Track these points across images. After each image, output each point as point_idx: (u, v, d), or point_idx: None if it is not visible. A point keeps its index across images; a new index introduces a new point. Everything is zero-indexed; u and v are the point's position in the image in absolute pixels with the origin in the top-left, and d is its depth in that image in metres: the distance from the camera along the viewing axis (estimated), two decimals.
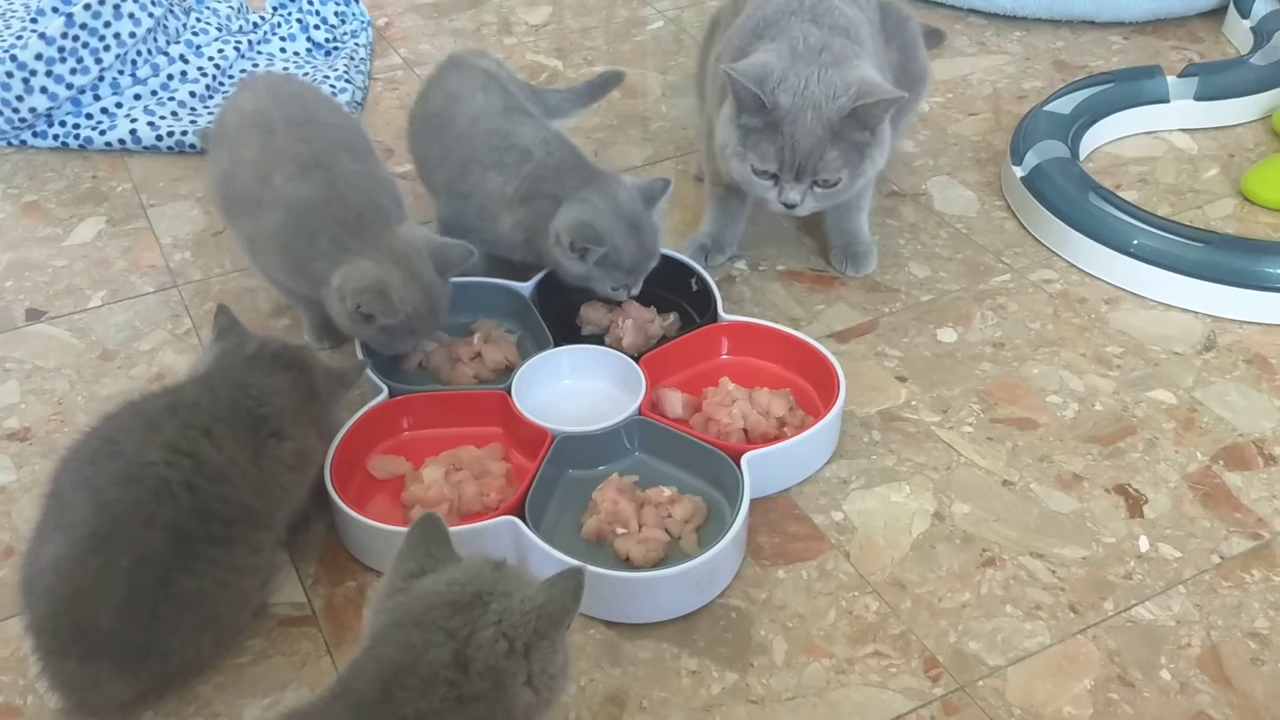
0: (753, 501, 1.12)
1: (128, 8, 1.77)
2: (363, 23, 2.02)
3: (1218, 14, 2.05)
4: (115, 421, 1.02)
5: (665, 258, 1.42)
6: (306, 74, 1.88)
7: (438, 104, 1.44)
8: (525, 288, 1.38)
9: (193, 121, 1.76)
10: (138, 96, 1.80)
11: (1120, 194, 1.54)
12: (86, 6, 1.73)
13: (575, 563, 0.89)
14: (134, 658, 0.96)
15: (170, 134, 1.73)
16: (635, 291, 1.37)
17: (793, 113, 1.25)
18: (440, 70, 1.48)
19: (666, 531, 1.12)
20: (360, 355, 1.27)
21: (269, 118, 1.31)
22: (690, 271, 1.40)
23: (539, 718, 0.80)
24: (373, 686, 0.76)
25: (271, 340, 1.12)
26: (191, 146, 1.73)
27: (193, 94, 1.81)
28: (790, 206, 1.32)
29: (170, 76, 1.83)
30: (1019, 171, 1.59)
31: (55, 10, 1.79)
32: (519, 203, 1.35)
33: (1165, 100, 1.75)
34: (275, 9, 2.00)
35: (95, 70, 1.75)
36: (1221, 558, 1.13)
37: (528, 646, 0.78)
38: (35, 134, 1.75)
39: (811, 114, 1.25)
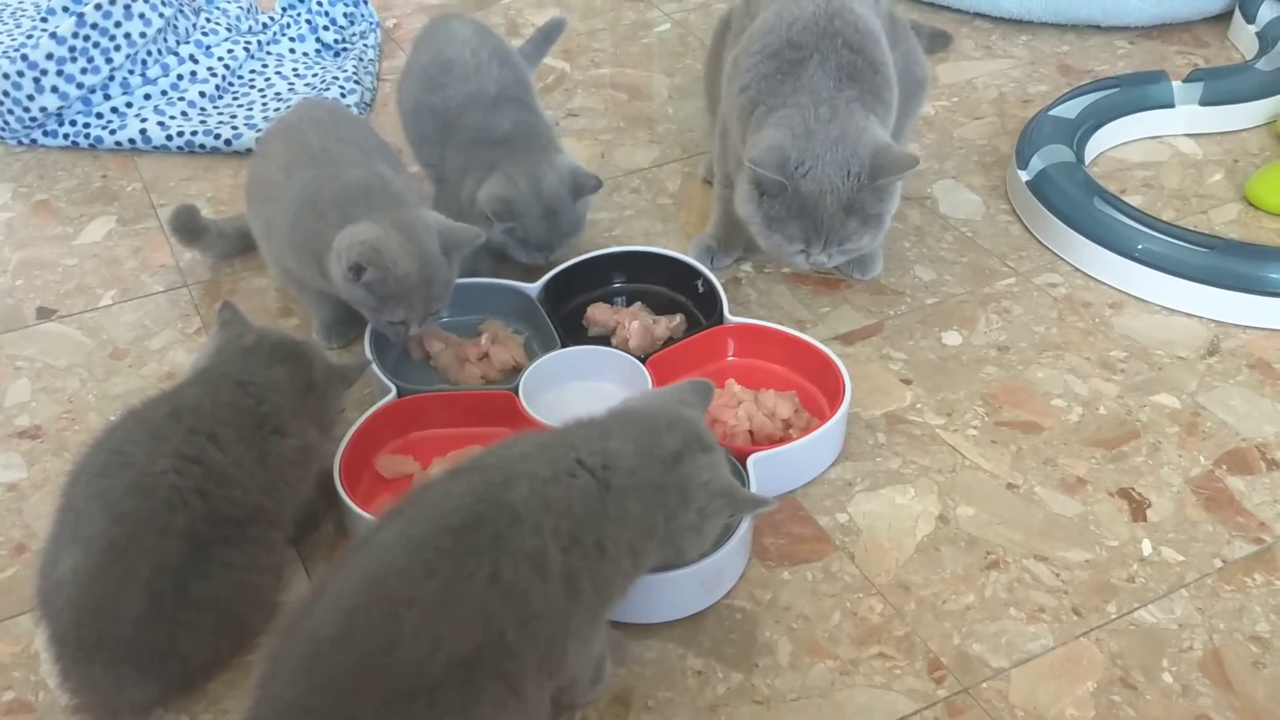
0: None
1: (138, 8, 1.78)
2: (371, 24, 2.03)
3: (1223, 19, 2.05)
4: (121, 432, 1.03)
5: (671, 259, 1.43)
6: (315, 75, 1.89)
7: (434, 65, 1.49)
8: (532, 289, 1.39)
9: (202, 121, 1.77)
10: (148, 96, 1.81)
11: (1125, 198, 1.55)
12: (97, 6, 1.74)
13: None
14: (157, 663, 0.97)
15: (180, 134, 1.74)
16: (547, 260, 1.42)
17: (813, 198, 1.28)
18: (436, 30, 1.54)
19: None
20: (369, 352, 1.28)
21: (300, 121, 1.37)
22: (696, 273, 1.41)
23: (683, 541, 0.97)
24: (610, 421, 0.98)
25: (270, 332, 1.14)
26: (201, 147, 1.74)
27: (202, 94, 1.82)
28: (819, 268, 1.37)
29: (180, 76, 1.84)
30: (1024, 175, 1.59)
31: (66, 10, 1.80)
32: (466, 173, 1.43)
33: (1170, 105, 1.76)
34: (285, 10, 2.01)
35: (106, 70, 1.76)
36: (1224, 562, 1.14)
37: (712, 494, 0.96)
38: (46, 133, 1.76)
39: (831, 197, 1.28)
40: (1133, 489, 1.21)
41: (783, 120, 1.31)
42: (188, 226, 1.48)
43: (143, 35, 1.79)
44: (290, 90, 1.86)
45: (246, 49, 1.92)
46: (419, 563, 0.83)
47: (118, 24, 1.77)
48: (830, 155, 1.28)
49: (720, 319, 1.35)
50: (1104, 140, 1.72)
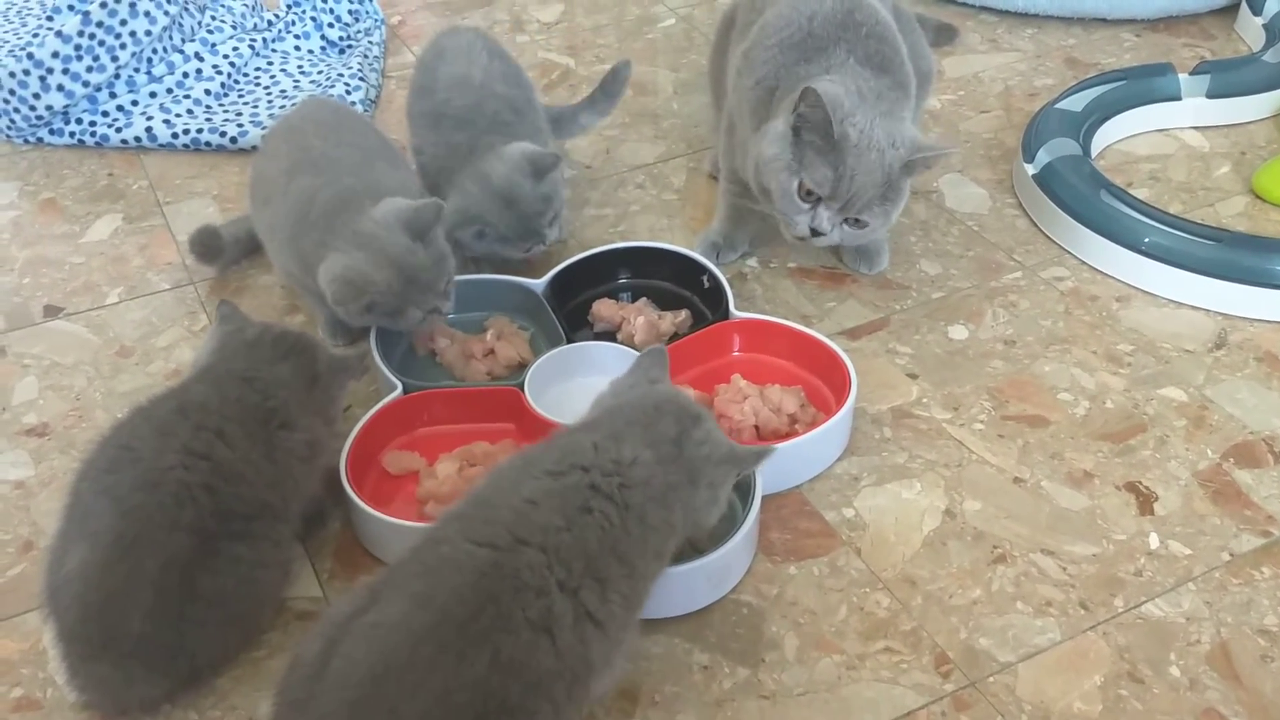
0: (764, 498, 1.13)
1: (143, 6, 1.78)
2: (376, 21, 2.03)
3: (1230, 11, 2.05)
4: (128, 428, 1.03)
5: (677, 255, 1.43)
6: (320, 72, 1.89)
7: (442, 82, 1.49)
8: (538, 285, 1.39)
9: (208, 119, 1.77)
10: (153, 94, 1.81)
11: (1132, 192, 1.54)
12: (103, 5, 1.74)
13: None
14: (164, 658, 0.97)
15: (185, 132, 1.74)
16: (537, 251, 1.42)
17: (859, 148, 1.27)
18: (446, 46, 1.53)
19: None
20: (374, 349, 1.28)
21: (303, 122, 1.37)
22: (702, 269, 1.41)
23: (701, 517, 0.98)
24: (614, 420, 0.98)
25: (272, 326, 1.14)
26: (207, 144, 1.74)
27: (208, 92, 1.83)
28: (817, 234, 1.32)
29: (185, 75, 1.84)
30: (1030, 169, 1.59)
31: (72, 8, 1.80)
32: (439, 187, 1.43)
33: (1177, 98, 1.75)
34: (290, 7, 2.01)
35: (111, 68, 1.77)
36: (1231, 555, 1.14)
37: (716, 464, 0.98)
38: (52, 131, 1.77)
39: (876, 155, 1.27)
40: (1140, 482, 1.21)
41: (836, 81, 1.30)
42: (209, 246, 1.48)
43: (148, 33, 1.79)
44: (295, 87, 1.86)
45: (252, 46, 1.92)
46: (423, 660, 0.83)
47: (123, 22, 1.77)
48: (879, 121, 1.27)
49: (726, 314, 1.35)
50: (1110, 133, 1.72)
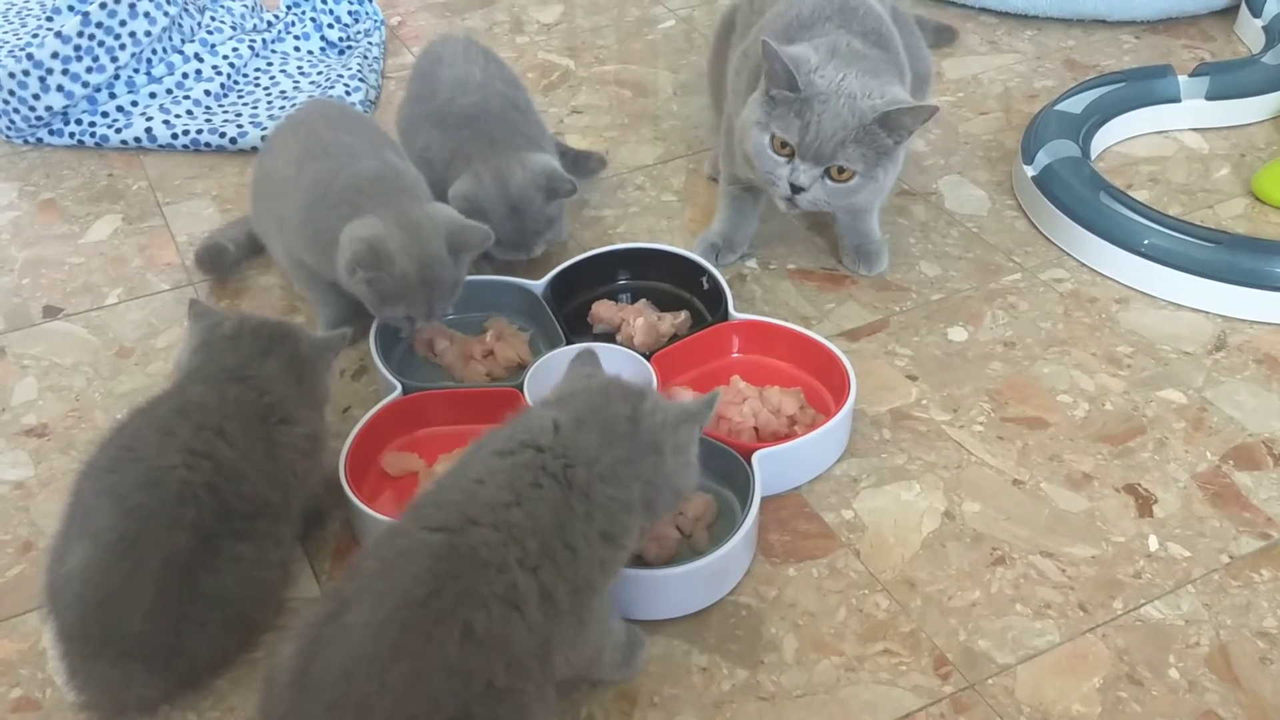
0: (763, 499, 1.13)
1: (143, 7, 1.78)
2: (376, 21, 2.03)
3: (1230, 13, 2.05)
4: (129, 429, 1.03)
5: (676, 256, 1.43)
6: (320, 73, 1.89)
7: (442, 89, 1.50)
8: (538, 286, 1.39)
9: (207, 120, 1.77)
10: (153, 95, 1.81)
11: (1131, 193, 1.55)
12: (102, 5, 1.75)
13: None
14: (164, 659, 0.97)
15: (185, 132, 1.74)
16: (528, 256, 1.44)
17: (825, 94, 1.26)
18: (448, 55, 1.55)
19: (678, 529, 1.12)
20: (374, 349, 1.28)
21: (310, 117, 1.38)
22: (701, 270, 1.41)
23: (678, 482, 0.98)
24: (570, 416, 0.96)
25: (248, 317, 1.13)
26: (206, 145, 1.74)
27: (207, 92, 1.83)
28: (797, 190, 1.31)
29: (185, 75, 1.84)
30: (1030, 171, 1.59)
31: (71, 9, 1.81)
32: (453, 162, 1.44)
33: (1176, 100, 1.75)
34: (289, 8, 2.01)
35: (111, 69, 1.77)
36: (1231, 557, 1.14)
37: (674, 427, 0.97)
38: (51, 132, 1.77)
39: (845, 101, 1.26)
40: (1139, 485, 1.21)
41: (809, 45, 1.30)
42: (217, 262, 1.48)
43: (148, 34, 1.79)
44: (295, 88, 1.86)
45: (251, 47, 1.92)
46: (387, 647, 0.82)
47: (123, 23, 1.77)
48: (857, 74, 1.27)
49: (725, 315, 1.35)
50: (1110, 135, 1.72)
